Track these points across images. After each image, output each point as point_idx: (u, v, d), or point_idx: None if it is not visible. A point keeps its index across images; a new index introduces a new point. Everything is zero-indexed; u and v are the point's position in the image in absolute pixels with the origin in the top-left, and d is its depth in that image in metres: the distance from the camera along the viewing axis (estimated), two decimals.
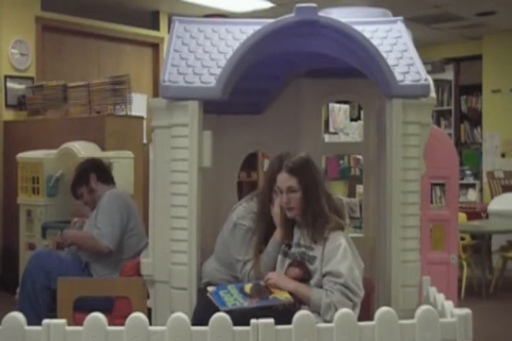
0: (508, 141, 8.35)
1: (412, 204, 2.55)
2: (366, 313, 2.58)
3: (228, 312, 2.12)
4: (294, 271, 2.55)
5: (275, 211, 2.73)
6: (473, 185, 8.60)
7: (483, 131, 8.63)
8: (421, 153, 2.59)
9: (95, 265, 3.63)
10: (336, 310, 2.31)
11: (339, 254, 2.45)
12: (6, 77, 5.91)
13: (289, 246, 2.66)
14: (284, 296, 2.49)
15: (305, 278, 2.52)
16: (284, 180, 2.61)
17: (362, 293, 2.44)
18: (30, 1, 6.15)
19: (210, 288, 2.58)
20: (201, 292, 2.59)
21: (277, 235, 2.74)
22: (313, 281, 2.50)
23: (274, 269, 2.68)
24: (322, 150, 3.62)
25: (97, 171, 3.91)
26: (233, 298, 2.50)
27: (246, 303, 2.46)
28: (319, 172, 2.69)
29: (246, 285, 2.58)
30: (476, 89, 8.79)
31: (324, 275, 2.46)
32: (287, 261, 2.63)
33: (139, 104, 5.83)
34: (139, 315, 2.02)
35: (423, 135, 2.60)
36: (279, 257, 2.69)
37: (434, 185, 8.10)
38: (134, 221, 3.72)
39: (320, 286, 2.47)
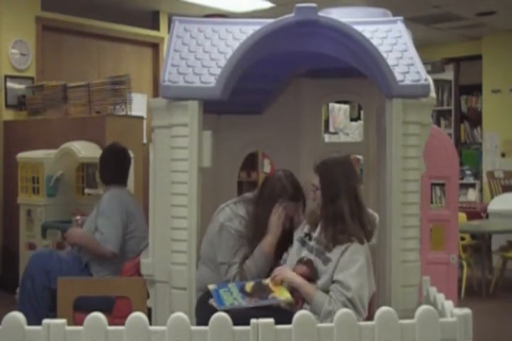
0: (508, 141, 8.35)
1: (412, 204, 2.55)
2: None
3: (226, 311, 2.11)
4: (302, 268, 2.54)
5: (274, 221, 2.76)
6: (473, 185, 8.60)
7: (483, 131, 8.62)
8: (421, 153, 2.59)
9: (95, 266, 3.64)
10: None
11: (355, 269, 2.42)
12: (6, 77, 5.91)
13: (309, 236, 2.64)
14: (284, 296, 2.48)
15: (311, 277, 2.52)
16: (311, 177, 2.64)
17: (365, 314, 2.40)
18: (30, 1, 6.15)
19: (210, 286, 2.57)
20: (200, 304, 2.56)
21: (266, 246, 2.75)
22: (320, 282, 2.49)
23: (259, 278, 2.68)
24: (322, 150, 3.61)
25: (102, 170, 3.89)
26: (232, 297, 2.49)
27: (244, 303, 2.46)
28: (347, 176, 2.58)
29: (247, 284, 2.57)
30: (476, 89, 8.78)
31: (333, 282, 2.44)
32: (304, 251, 2.62)
33: (139, 104, 5.83)
34: (139, 315, 2.02)
35: (423, 135, 2.60)
36: (297, 245, 2.67)
37: (434, 185, 8.09)
38: (135, 223, 3.70)
39: (325, 289, 2.46)
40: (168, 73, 2.55)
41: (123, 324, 2.01)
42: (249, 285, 2.56)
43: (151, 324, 2.10)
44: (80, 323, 2.03)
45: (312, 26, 2.50)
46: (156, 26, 7.44)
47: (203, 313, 2.44)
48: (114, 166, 3.90)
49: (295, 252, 2.66)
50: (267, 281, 2.58)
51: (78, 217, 3.97)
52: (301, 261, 2.58)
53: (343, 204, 2.52)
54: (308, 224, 2.69)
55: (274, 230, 2.77)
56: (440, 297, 2.33)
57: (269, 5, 6.81)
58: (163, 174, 2.62)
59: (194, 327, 2.03)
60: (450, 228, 3.58)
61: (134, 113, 5.29)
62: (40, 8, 6.24)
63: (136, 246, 3.67)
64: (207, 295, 2.60)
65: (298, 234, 2.72)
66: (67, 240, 3.73)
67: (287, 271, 2.57)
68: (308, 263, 2.55)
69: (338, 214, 2.53)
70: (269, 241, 2.76)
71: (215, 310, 2.20)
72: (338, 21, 2.50)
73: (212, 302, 2.50)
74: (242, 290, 2.54)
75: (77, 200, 4.85)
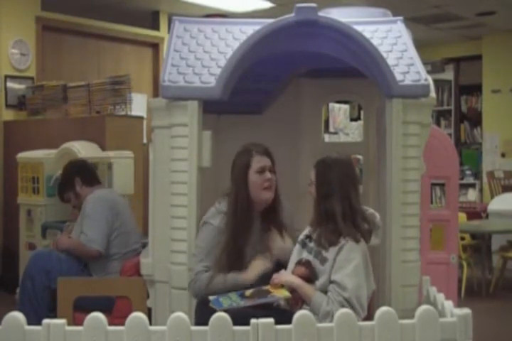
0: (508, 141, 8.35)
1: (412, 204, 2.55)
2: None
3: (226, 311, 2.11)
4: (301, 270, 2.54)
5: (258, 263, 2.68)
6: (473, 185, 8.60)
7: (483, 131, 8.62)
8: (421, 153, 2.59)
9: (92, 266, 3.64)
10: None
11: (351, 268, 2.41)
12: (6, 77, 5.91)
13: (310, 238, 2.62)
14: (282, 294, 2.49)
15: (310, 278, 2.52)
16: (310, 171, 2.64)
17: (363, 314, 2.39)
18: (30, 1, 6.15)
19: (211, 297, 2.57)
20: (199, 305, 2.55)
21: (242, 279, 2.62)
22: (319, 282, 2.48)
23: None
24: (322, 150, 3.61)
25: (81, 174, 3.88)
26: (231, 300, 2.50)
27: (243, 303, 2.46)
28: (343, 177, 2.54)
29: (246, 291, 2.57)
30: (476, 89, 8.78)
31: (331, 282, 2.44)
32: (304, 253, 2.61)
33: (139, 104, 5.83)
34: (139, 315, 2.02)
35: (423, 135, 2.60)
36: (297, 246, 2.65)
37: (434, 185, 8.09)
38: (121, 219, 3.71)
39: (324, 289, 2.46)
40: (168, 73, 2.55)
41: (123, 324, 2.01)
42: (248, 292, 2.56)
43: (151, 324, 2.10)
44: (80, 323, 2.03)
45: (312, 26, 2.50)
46: (156, 26, 7.44)
47: (202, 314, 2.44)
48: (90, 169, 3.98)
49: (296, 254, 2.66)
50: (267, 287, 2.58)
51: (68, 223, 3.99)
52: (299, 263, 2.58)
53: (334, 204, 2.51)
54: (309, 226, 2.68)
55: (256, 270, 2.66)
56: (440, 297, 2.33)
57: (269, 5, 6.81)
58: (163, 174, 2.62)
59: (194, 327, 2.03)
60: (450, 228, 3.58)
61: (134, 113, 5.29)
62: (40, 8, 6.23)
63: (126, 241, 3.69)
64: (206, 296, 2.59)
65: (300, 237, 2.71)
66: (57, 248, 3.73)
67: (285, 274, 2.57)
68: (307, 264, 2.55)
69: (329, 213, 2.52)
70: (247, 278, 2.64)
71: (215, 311, 2.19)
72: (338, 21, 2.51)
73: (211, 305, 2.50)
74: (241, 295, 2.54)
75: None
